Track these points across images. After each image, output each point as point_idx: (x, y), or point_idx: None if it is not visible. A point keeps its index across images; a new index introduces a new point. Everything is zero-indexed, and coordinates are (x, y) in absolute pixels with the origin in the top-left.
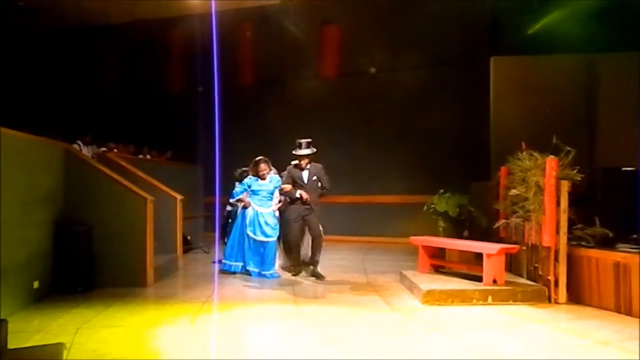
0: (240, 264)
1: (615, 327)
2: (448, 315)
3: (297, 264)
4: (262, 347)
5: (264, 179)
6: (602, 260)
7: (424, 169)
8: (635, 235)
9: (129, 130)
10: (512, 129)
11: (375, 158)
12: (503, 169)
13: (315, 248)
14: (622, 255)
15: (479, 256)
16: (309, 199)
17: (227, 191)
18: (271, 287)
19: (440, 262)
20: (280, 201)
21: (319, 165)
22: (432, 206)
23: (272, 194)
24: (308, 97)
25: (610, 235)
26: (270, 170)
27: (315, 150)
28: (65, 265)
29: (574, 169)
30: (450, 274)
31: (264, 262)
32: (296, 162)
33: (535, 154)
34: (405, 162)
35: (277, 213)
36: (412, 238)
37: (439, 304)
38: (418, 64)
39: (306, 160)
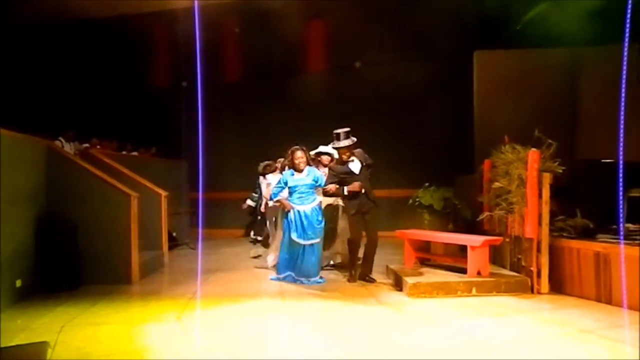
0: (289, 272)
1: (596, 316)
2: (434, 307)
3: (356, 266)
4: (249, 343)
5: (300, 171)
6: (583, 250)
7: (409, 162)
8: (614, 226)
9: (112, 126)
10: (496, 123)
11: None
12: (486, 162)
13: (370, 254)
14: (602, 245)
15: (463, 248)
16: (363, 189)
17: (249, 187)
18: (258, 283)
19: (425, 255)
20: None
21: (361, 150)
22: (418, 200)
23: (312, 187)
24: (294, 92)
25: (591, 226)
26: (309, 160)
27: (355, 139)
28: (49, 263)
29: (556, 162)
30: (436, 267)
31: (314, 266)
32: (322, 157)
33: (518, 147)
34: (390, 156)
35: (322, 204)
36: (398, 231)
37: (425, 296)
38: (403, 59)
39: (347, 153)
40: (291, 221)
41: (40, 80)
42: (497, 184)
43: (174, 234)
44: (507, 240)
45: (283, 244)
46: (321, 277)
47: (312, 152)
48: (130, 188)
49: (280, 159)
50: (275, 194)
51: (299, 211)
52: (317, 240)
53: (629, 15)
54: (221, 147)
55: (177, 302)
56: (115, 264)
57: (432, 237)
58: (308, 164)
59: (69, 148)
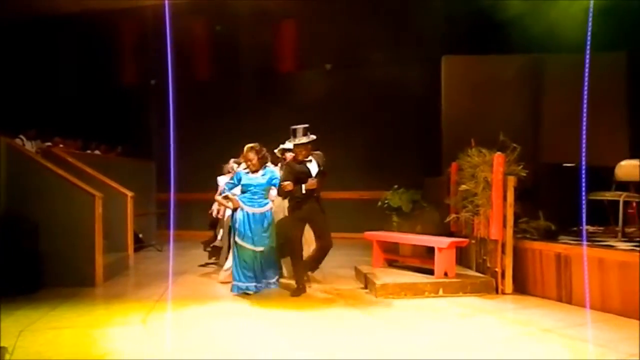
0: (253, 284)
1: (557, 316)
2: (401, 307)
3: (301, 278)
4: (216, 346)
5: (253, 171)
6: (545, 252)
7: (378, 165)
8: (575, 228)
9: (78, 125)
10: (463, 126)
11: (331, 154)
12: (453, 165)
13: (319, 258)
14: (563, 247)
15: (430, 250)
16: (316, 188)
17: (213, 187)
18: (225, 285)
19: (393, 257)
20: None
21: (320, 153)
22: (386, 202)
23: (265, 189)
24: (263, 92)
25: (553, 228)
26: (264, 161)
27: (314, 137)
28: (7, 264)
29: (520, 165)
30: (404, 268)
31: (262, 272)
32: (287, 154)
33: (484, 150)
34: (360, 159)
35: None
36: (367, 233)
37: (393, 297)
38: (374, 62)
39: (305, 152)
40: (237, 222)
41: (2, 77)
42: (463, 187)
43: (141, 236)
44: (473, 241)
45: (234, 251)
46: (276, 280)
47: (277, 150)
48: (94, 188)
49: (232, 160)
50: (226, 190)
51: (247, 213)
52: (263, 248)
53: (590, 24)
54: (189, 147)
55: (142, 305)
56: (78, 265)
57: (400, 239)
58: (265, 164)
59: (30, 146)
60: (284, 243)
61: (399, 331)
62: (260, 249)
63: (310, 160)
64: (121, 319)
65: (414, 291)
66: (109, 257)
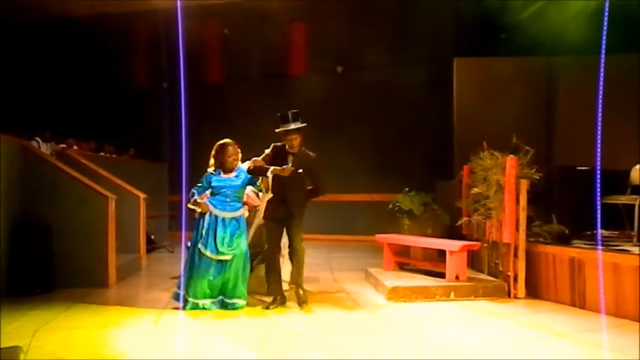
0: (209, 300)
1: (570, 320)
2: (412, 311)
3: (277, 291)
4: (228, 347)
5: (230, 170)
6: (558, 256)
7: (389, 167)
8: (589, 232)
9: (90, 126)
10: (475, 129)
11: (342, 157)
12: (465, 168)
13: (298, 267)
14: (577, 251)
15: (442, 253)
16: (287, 173)
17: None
18: None
19: (404, 260)
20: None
21: (311, 155)
22: (397, 204)
23: (238, 190)
24: (275, 95)
25: (566, 231)
26: (238, 158)
27: (305, 124)
28: (22, 265)
29: (533, 168)
30: (414, 271)
31: (225, 288)
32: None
33: (496, 153)
34: (371, 161)
35: (245, 215)
36: (378, 236)
37: (403, 301)
38: (386, 65)
39: (298, 139)
40: (201, 226)
41: (17, 79)
42: (475, 190)
43: (152, 237)
44: (485, 245)
45: (191, 259)
46: (241, 301)
47: (268, 150)
48: (108, 190)
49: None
50: (195, 194)
51: (216, 217)
52: (229, 257)
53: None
54: (201, 149)
55: (154, 307)
56: (91, 266)
57: (411, 242)
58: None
59: (45, 148)
60: (257, 252)
61: (410, 334)
62: (226, 257)
63: (296, 155)
64: (133, 320)
65: (425, 294)
66: (122, 258)
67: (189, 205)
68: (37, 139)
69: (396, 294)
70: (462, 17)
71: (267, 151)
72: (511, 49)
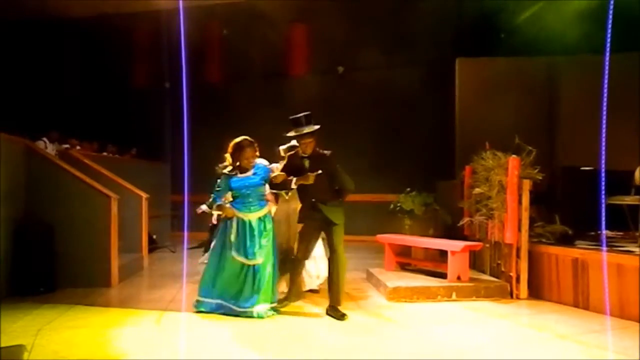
0: (218, 301)
1: (573, 322)
2: (413, 311)
3: (296, 291)
4: (228, 347)
5: (247, 169)
6: (561, 256)
7: (390, 167)
8: (593, 233)
9: (93, 126)
10: (477, 129)
11: (343, 157)
12: (467, 168)
13: (339, 280)
14: (580, 251)
15: (443, 253)
16: (311, 181)
17: (208, 191)
18: None
19: (406, 260)
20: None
21: (326, 154)
22: (399, 205)
23: (259, 188)
24: (276, 95)
25: (570, 232)
26: (256, 156)
27: (318, 126)
28: (26, 265)
29: (535, 168)
30: (416, 271)
31: (256, 292)
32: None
33: (499, 153)
34: (372, 161)
35: (272, 212)
36: (379, 236)
37: (405, 301)
38: (387, 64)
39: (312, 143)
40: (230, 232)
41: (19, 80)
42: (477, 190)
43: (154, 237)
44: (487, 245)
45: (211, 263)
46: (271, 308)
47: (284, 147)
48: (110, 189)
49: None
50: (217, 199)
51: (242, 220)
52: (261, 260)
53: (609, 25)
54: (203, 149)
55: (156, 306)
56: (93, 266)
57: (412, 242)
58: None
59: (51, 149)
60: (283, 259)
61: (411, 335)
62: (257, 261)
63: (311, 158)
64: (135, 319)
65: (427, 295)
66: (124, 258)
67: (212, 211)
68: (45, 139)
69: (397, 295)
70: (463, 18)
71: (276, 166)
72: (512, 49)
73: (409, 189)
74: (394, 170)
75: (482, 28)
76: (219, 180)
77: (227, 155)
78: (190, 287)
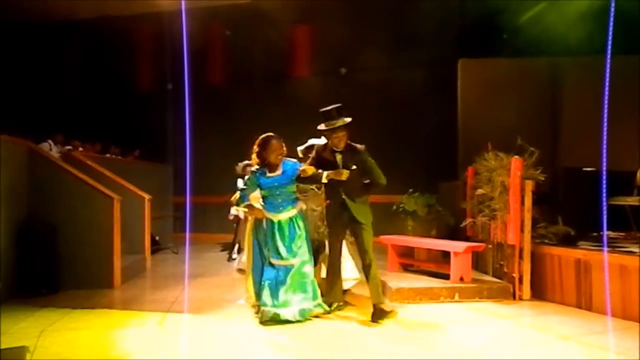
0: (285, 309)
1: (576, 322)
2: (416, 312)
3: (338, 295)
4: (231, 348)
5: (275, 166)
6: (564, 257)
7: (393, 168)
8: (595, 233)
9: (95, 128)
10: (479, 130)
11: None
12: (470, 169)
13: (375, 281)
14: (583, 252)
15: (446, 254)
16: (345, 177)
17: (228, 190)
18: (241, 288)
19: (409, 261)
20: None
21: (359, 148)
22: (402, 206)
23: (288, 186)
24: (279, 97)
25: (572, 233)
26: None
27: (350, 119)
28: (28, 266)
29: (538, 169)
30: (419, 272)
31: (293, 294)
32: (317, 141)
33: (501, 154)
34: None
35: (302, 208)
36: (382, 237)
37: (408, 302)
38: (390, 66)
39: (344, 137)
40: (262, 235)
41: (23, 82)
42: (480, 191)
43: (157, 238)
44: (490, 246)
45: (255, 267)
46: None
47: (302, 147)
48: (113, 191)
49: (245, 162)
50: (244, 198)
51: (272, 221)
52: (295, 261)
53: (611, 26)
54: (205, 150)
55: (159, 307)
56: (96, 268)
57: (415, 243)
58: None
59: (56, 151)
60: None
61: (413, 336)
62: (292, 262)
63: (343, 152)
64: (138, 321)
65: (430, 296)
66: (127, 259)
67: (240, 209)
68: (50, 141)
69: (400, 295)
70: (465, 19)
71: (311, 158)
72: (515, 50)
73: (411, 190)
74: (396, 171)
75: (485, 29)
76: (240, 180)
77: (254, 154)
78: (193, 289)
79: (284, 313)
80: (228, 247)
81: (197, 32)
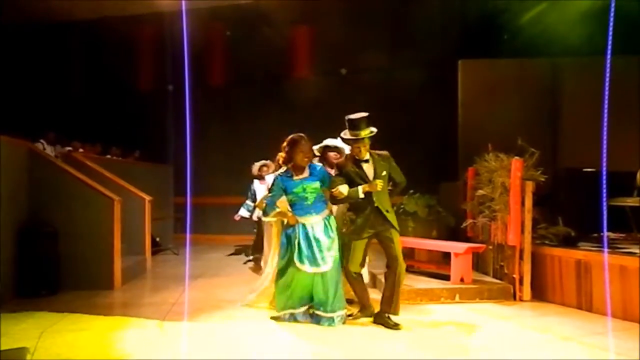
0: (303, 308)
1: (576, 323)
2: (417, 313)
3: (366, 302)
4: (231, 350)
5: (302, 169)
6: (564, 258)
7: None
8: (595, 234)
9: (96, 129)
10: (480, 131)
11: None
12: (470, 169)
13: (397, 288)
14: (583, 253)
15: (446, 255)
16: (380, 187)
17: (242, 192)
18: (241, 289)
19: (409, 262)
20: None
21: (385, 154)
22: (402, 207)
23: (317, 189)
24: (279, 98)
25: (573, 234)
26: (311, 155)
27: (376, 130)
28: (28, 267)
29: (538, 170)
30: (419, 273)
31: (322, 301)
32: (333, 141)
33: (501, 155)
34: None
35: (333, 210)
36: None
37: (408, 303)
38: (390, 66)
39: (367, 146)
40: (294, 240)
41: (23, 83)
42: (480, 192)
43: (158, 239)
44: (490, 247)
45: (281, 273)
46: (344, 313)
47: (316, 147)
48: (113, 192)
49: (261, 162)
50: (271, 204)
51: (303, 226)
52: (327, 267)
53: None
54: (206, 151)
55: (159, 308)
56: (97, 269)
57: (416, 244)
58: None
59: (50, 151)
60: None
61: (414, 337)
62: (325, 268)
63: (367, 161)
64: (138, 322)
65: (430, 297)
66: (127, 260)
67: (268, 218)
68: (42, 141)
69: (401, 296)
70: (466, 19)
71: (335, 175)
72: (515, 51)
73: (412, 191)
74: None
75: (485, 29)
76: (255, 181)
77: (280, 156)
78: (193, 290)
79: (303, 319)
80: (242, 250)
81: (197, 33)
